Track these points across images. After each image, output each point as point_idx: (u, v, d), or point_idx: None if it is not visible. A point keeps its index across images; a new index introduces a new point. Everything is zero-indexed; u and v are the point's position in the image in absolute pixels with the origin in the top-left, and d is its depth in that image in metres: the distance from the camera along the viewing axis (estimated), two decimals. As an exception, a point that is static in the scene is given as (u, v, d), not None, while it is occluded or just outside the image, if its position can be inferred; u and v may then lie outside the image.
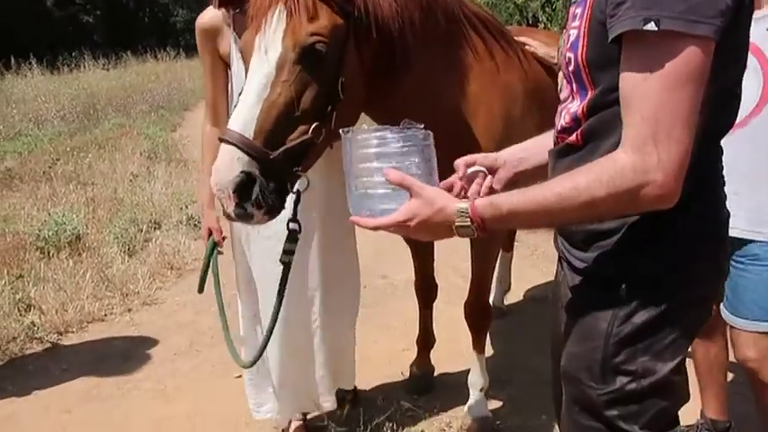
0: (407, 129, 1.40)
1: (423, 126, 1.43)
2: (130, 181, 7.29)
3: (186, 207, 6.24)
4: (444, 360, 3.42)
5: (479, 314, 2.85)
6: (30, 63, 16.99)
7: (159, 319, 4.21)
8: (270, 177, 1.66)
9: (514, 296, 4.35)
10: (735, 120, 1.32)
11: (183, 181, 7.43)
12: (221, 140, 1.64)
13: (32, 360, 3.67)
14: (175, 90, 15.50)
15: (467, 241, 2.04)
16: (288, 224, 1.85)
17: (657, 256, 1.28)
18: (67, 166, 7.88)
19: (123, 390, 3.41)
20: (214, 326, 4.07)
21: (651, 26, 1.07)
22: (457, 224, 1.25)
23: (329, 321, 2.62)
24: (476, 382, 2.93)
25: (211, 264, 2.51)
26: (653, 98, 1.10)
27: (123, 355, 3.74)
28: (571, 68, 1.28)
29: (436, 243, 2.78)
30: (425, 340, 3.29)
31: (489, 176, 1.58)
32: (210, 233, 2.51)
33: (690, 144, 1.11)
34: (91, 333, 4.01)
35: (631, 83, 1.13)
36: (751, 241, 2.23)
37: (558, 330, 1.52)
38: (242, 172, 1.61)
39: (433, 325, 3.29)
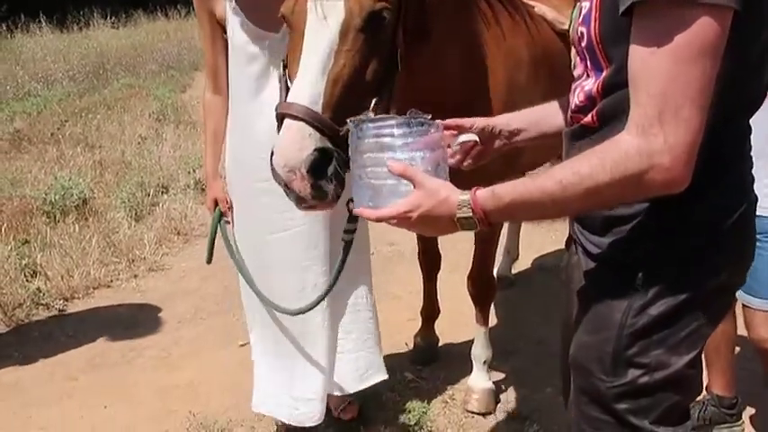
0: (414, 119, 1.36)
1: (430, 116, 1.38)
2: (138, 143, 7.24)
3: (194, 171, 6.20)
4: (449, 331, 3.40)
5: (483, 287, 2.81)
6: (39, 21, 16.83)
7: (165, 286, 4.21)
8: (341, 156, 1.51)
9: (523, 264, 4.30)
10: (763, 96, 1.24)
11: (192, 143, 7.37)
12: (285, 115, 1.48)
13: (38, 327, 3.69)
14: (186, 49, 15.28)
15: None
16: (348, 204, 1.75)
17: (678, 243, 1.21)
18: (76, 127, 7.83)
19: (128, 357, 3.42)
20: (219, 293, 4.07)
21: None
22: (458, 215, 1.21)
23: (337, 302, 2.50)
24: (479, 354, 2.91)
25: (221, 232, 2.45)
26: (660, 74, 1.02)
27: (128, 323, 3.75)
28: (584, 44, 1.21)
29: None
30: (430, 311, 3.26)
31: (480, 146, 1.53)
32: (216, 204, 2.45)
33: (701, 125, 1.03)
34: (97, 299, 4.02)
35: (639, 57, 1.05)
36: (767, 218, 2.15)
37: (569, 315, 1.47)
38: (316, 150, 1.46)
39: (438, 295, 3.26)
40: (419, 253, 3.16)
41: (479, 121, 1.53)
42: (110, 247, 4.54)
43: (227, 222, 2.47)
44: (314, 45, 1.52)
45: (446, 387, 3.05)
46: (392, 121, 1.35)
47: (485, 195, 1.19)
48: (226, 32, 2.29)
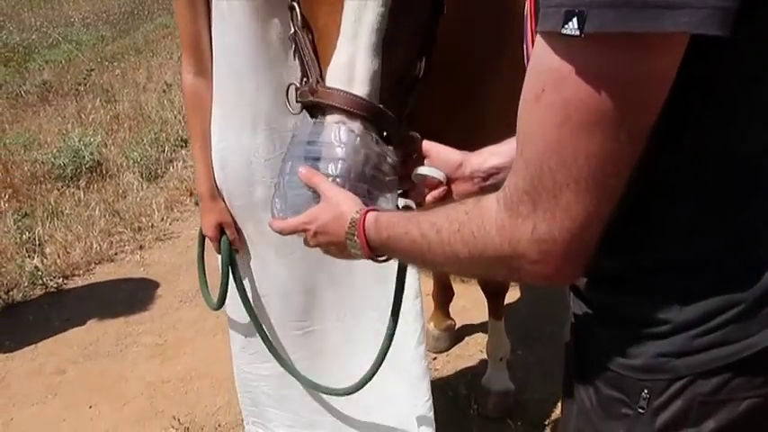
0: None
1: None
2: (163, 91, 6.93)
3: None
4: (469, 311, 3.02)
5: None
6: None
7: (171, 258, 3.93)
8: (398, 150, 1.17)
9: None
10: None
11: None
12: (334, 109, 1.09)
13: (34, 309, 3.47)
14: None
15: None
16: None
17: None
18: (102, 77, 7.58)
19: (122, 345, 3.18)
20: (226, 265, 3.79)
21: (571, 28, 0.61)
22: (347, 234, 0.98)
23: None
24: (494, 350, 2.53)
25: (233, 274, 1.84)
26: (539, 134, 0.69)
27: (128, 302, 3.50)
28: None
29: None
30: (442, 295, 2.86)
31: (443, 186, 1.14)
32: (221, 231, 1.81)
33: (591, 216, 0.70)
34: (98, 275, 3.78)
35: (523, 98, 0.72)
36: None
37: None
38: (381, 158, 1.13)
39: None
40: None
41: (446, 153, 1.15)
42: (116, 215, 4.28)
43: (236, 251, 1.84)
44: (364, 3, 1.09)
45: (459, 383, 2.69)
46: (332, 131, 1.09)
47: (371, 220, 0.96)
48: None
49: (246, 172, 1.70)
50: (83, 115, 6.21)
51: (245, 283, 1.84)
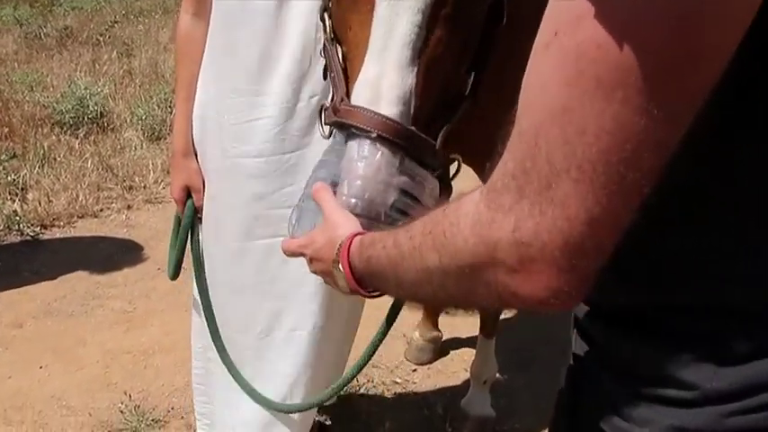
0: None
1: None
2: (183, 53, 6.76)
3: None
4: (460, 324, 2.81)
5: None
6: None
7: (158, 222, 3.74)
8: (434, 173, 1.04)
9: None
10: None
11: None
12: (360, 130, 0.94)
13: (4, 256, 3.30)
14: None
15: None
16: None
17: None
18: (125, 30, 7.42)
19: (87, 307, 2.99)
20: (213, 238, 3.60)
21: None
22: (333, 263, 0.83)
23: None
24: (478, 372, 2.31)
25: (191, 243, 1.72)
26: (543, 94, 0.50)
27: (103, 263, 3.31)
28: None
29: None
30: (433, 302, 2.65)
31: None
32: (188, 194, 1.67)
33: (598, 221, 0.50)
34: (78, 229, 3.60)
35: (533, 50, 0.52)
36: None
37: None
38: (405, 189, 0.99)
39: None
40: None
41: None
42: (109, 171, 4.10)
43: (199, 220, 1.70)
44: (397, 12, 0.94)
45: (437, 401, 2.48)
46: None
47: (356, 243, 0.80)
48: None
49: (223, 133, 1.50)
50: (97, 65, 6.04)
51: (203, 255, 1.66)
